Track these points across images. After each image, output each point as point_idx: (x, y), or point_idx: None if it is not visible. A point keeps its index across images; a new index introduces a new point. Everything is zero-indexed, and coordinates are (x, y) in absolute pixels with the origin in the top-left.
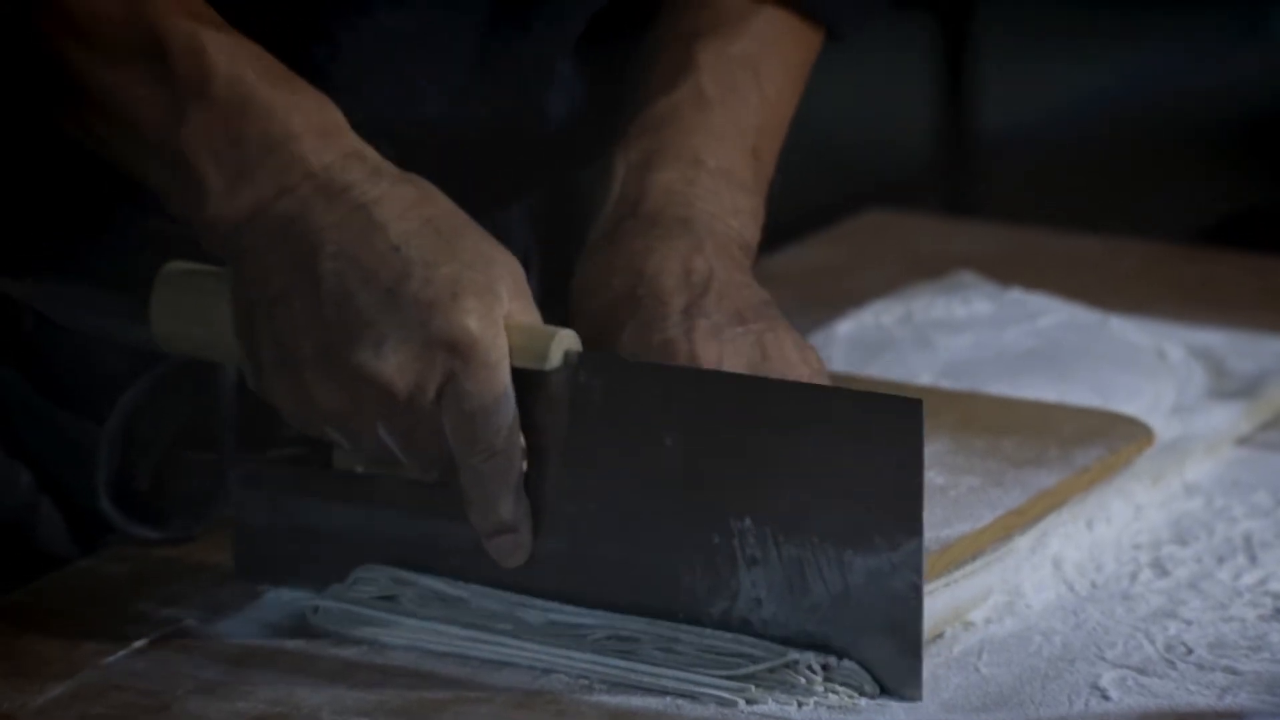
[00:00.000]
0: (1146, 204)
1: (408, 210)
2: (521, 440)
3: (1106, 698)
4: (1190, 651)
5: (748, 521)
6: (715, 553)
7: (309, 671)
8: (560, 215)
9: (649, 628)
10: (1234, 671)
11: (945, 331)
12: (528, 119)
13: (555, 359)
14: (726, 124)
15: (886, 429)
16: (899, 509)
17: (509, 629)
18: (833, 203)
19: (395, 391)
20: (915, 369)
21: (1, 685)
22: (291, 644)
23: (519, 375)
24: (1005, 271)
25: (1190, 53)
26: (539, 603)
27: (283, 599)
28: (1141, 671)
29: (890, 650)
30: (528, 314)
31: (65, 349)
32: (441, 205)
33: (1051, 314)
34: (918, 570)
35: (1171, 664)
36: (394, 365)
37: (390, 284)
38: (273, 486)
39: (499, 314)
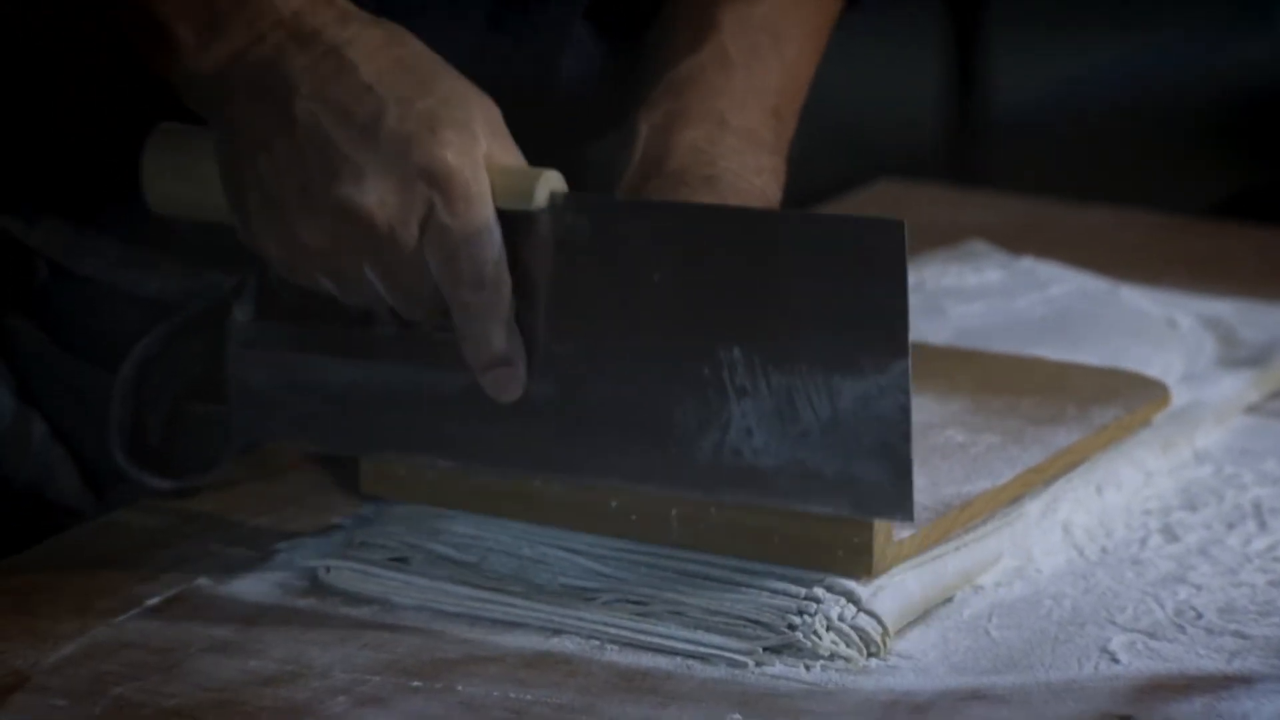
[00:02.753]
0: (1153, 180)
1: (379, 50)
2: (509, 277)
3: (1116, 661)
4: (1200, 616)
5: (736, 352)
6: (705, 385)
7: (320, 631)
8: (583, 183)
9: (658, 591)
10: (1243, 636)
11: (956, 299)
12: (542, 81)
13: (541, 199)
14: (749, 85)
15: (869, 250)
16: (885, 331)
17: (519, 590)
18: (844, 175)
19: (376, 224)
20: (926, 336)
21: (15, 643)
22: (303, 603)
23: (505, 217)
24: (1016, 242)
25: (1199, 31)
26: (551, 560)
27: (294, 558)
28: (1151, 635)
29: (881, 473)
30: (508, 154)
31: (79, 300)
32: (413, 46)
33: (1062, 283)
34: (905, 392)
35: (1181, 628)
36: (375, 199)
37: (366, 121)
38: (271, 344)
39: (478, 150)
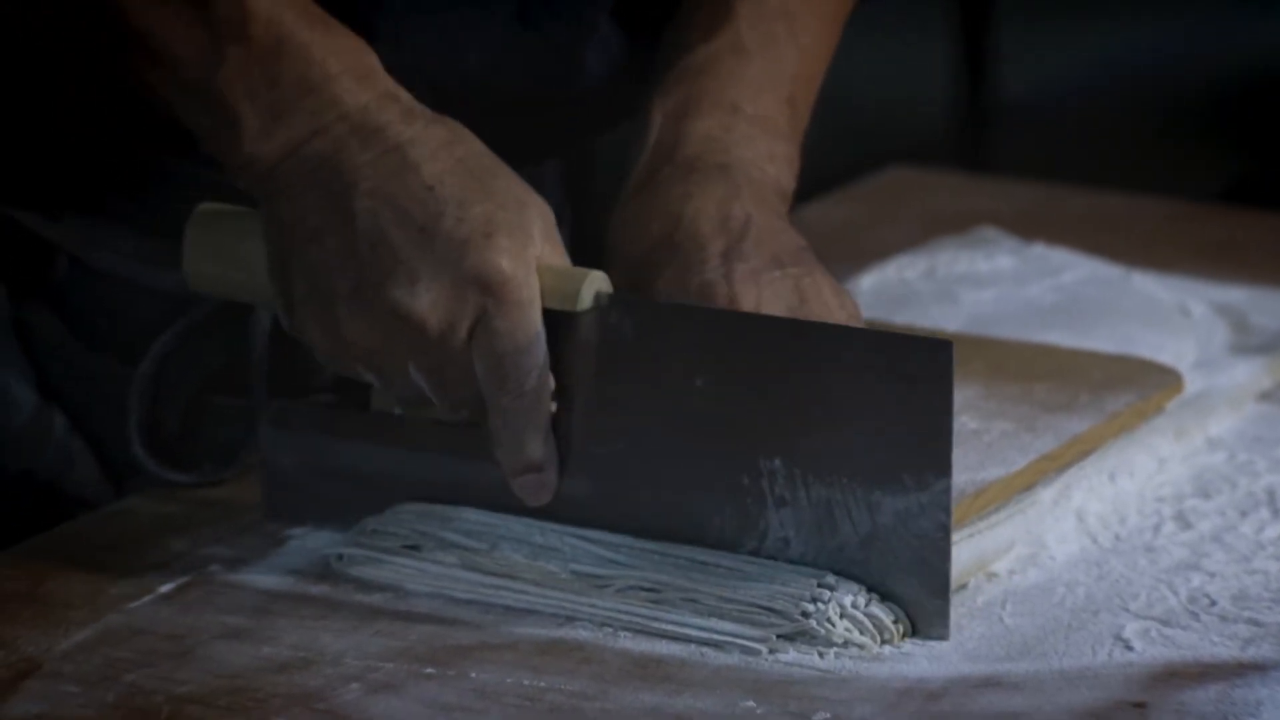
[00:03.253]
0: (1165, 167)
1: (441, 150)
2: (551, 381)
3: (1130, 648)
4: (1213, 603)
5: (777, 462)
6: (744, 494)
7: (333, 617)
8: (592, 174)
9: (671, 579)
10: (1257, 623)
11: (968, 286)
12: (566, 75)
13: (586, 300)
14: (764, 73)
15: (916, 369)
16: (928, 449)
17: (532, 577)
18: (855, 162)
19: (427, 329)
20: (938, 323)
21: (27, 629)
22: (316, 590)
23: (549, 316)
24: (1027, 228)
25: (1210, 15)
26: (564, 548)
27: (307, 545)
28: (1165, 623)
29: (918, 590)
30: (558, 257)
31: (99, 293)
32: (474, 146)
33: (1074, 269)
34: (946, 510)
35: (1195, 615)
36: (427, 302)
37: (424, 222)
38: (302, 427)
39: (531, 254)
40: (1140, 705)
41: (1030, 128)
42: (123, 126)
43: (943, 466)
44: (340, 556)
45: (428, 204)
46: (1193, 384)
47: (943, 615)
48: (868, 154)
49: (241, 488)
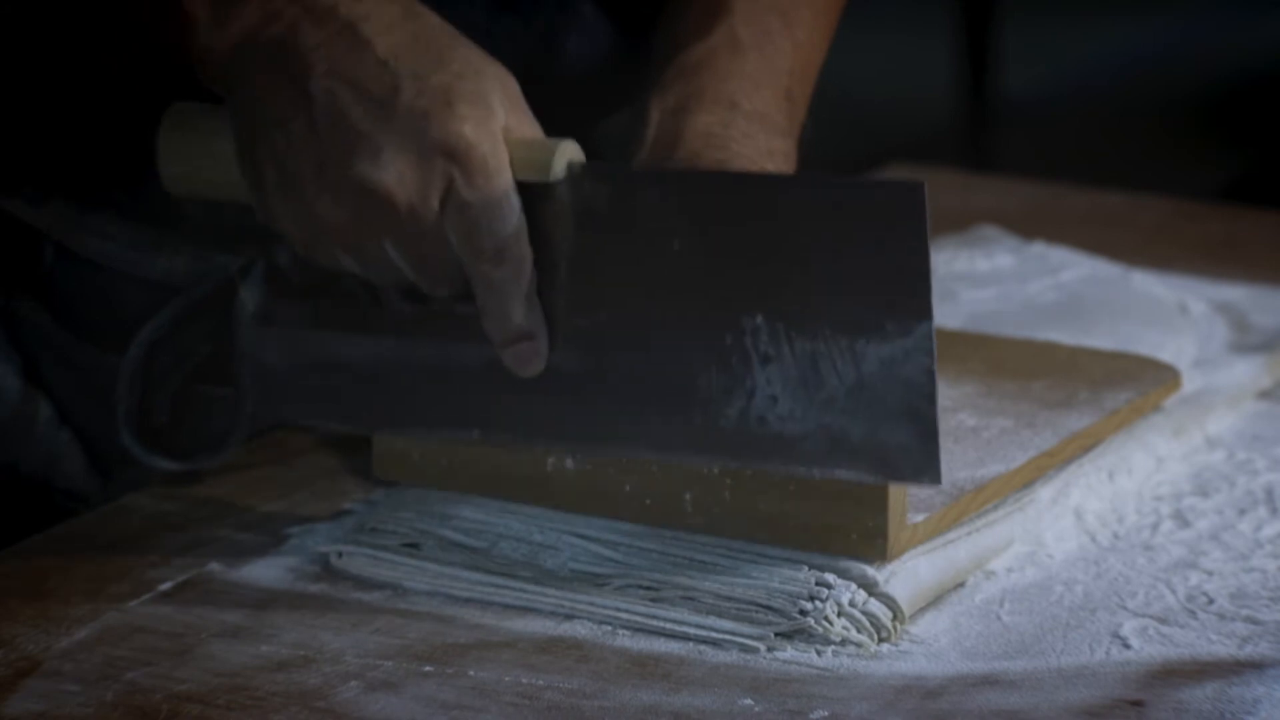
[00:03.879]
0: (1164, 165)
1: (394, 25)
2: (530, 250)
3: (1128, 646)
4: (1211, 601)
5: (759, 319)
6: (729, 353)
7: (332, 616)
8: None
9: (669, 577)
10: (1255, 621)
11: (968, 284)
12: (548, 60)
13: (559, 170)
14: (760, 68)
15: (890, 213)
16: (908, 293)
17: (530, 575)
18: (856, 160)
19: (396, 201)
20: (939, 321)
21: (27, 628)
22: (315, 588)
23: (523, 189)
24: (1027, 226)
25: (1211, 14)
26: (562, 546)
27: (306, 543)
28: (1163, 621)
29: (907, 436)
30: (526, 127)
31: (85, 282)
32: (428, 19)
33: (1074, 268)
34: (930, 354)
35: (1193, 613)
36: (393, 174)
37: (382, 97)
38: (288, 322)
39: (495, 123)
40: (1138, 703)
41: (1031, 126)
42: (110, 111)
43: (923, 310)
44: (339, 554)
45: (383, 78)
46: (1192, 382)
47: (933, 460)
48: (869, 152)
49: (239, 486)
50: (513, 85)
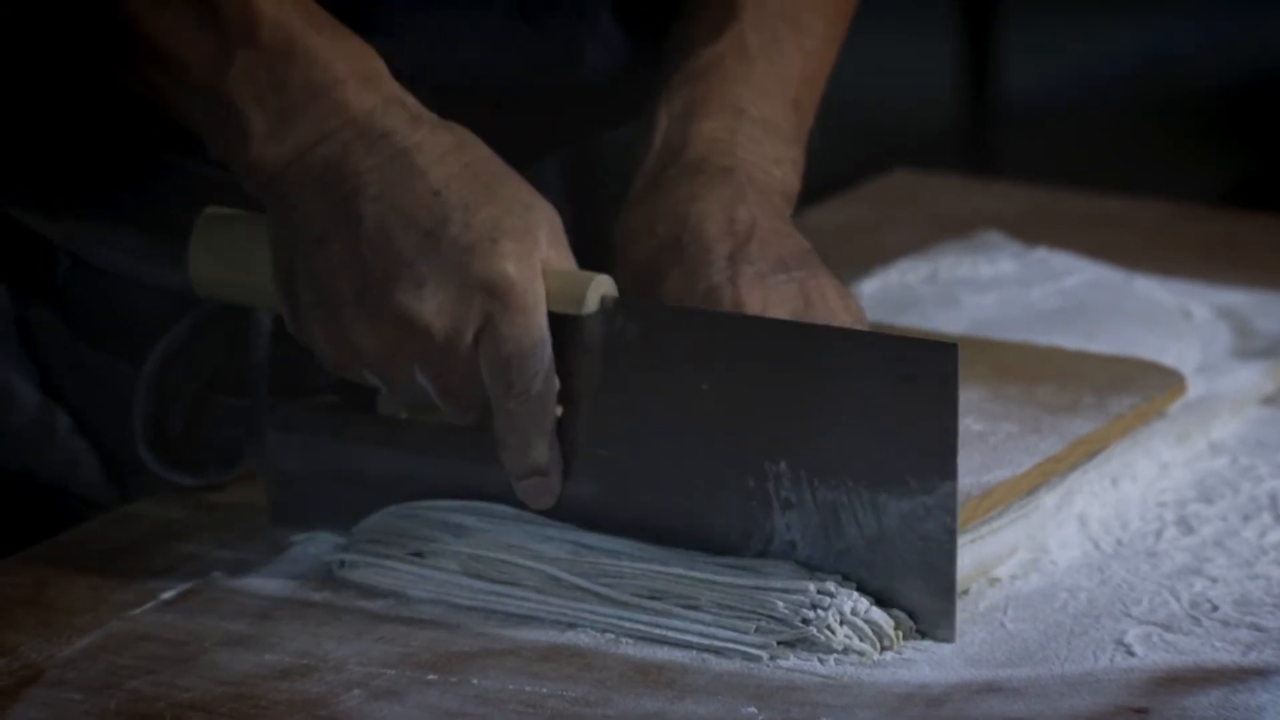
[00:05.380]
0: (1168, 169)
1: (447, 155)
2: (557, 384)
3: (1132, 654)
4: (1215, 608)
5: (783, 465)
6: (750, 497)
7: (335, 624)
8: (592, 172)
9: (673, 586)
10: (1259, 628)
11: (971, 290)
12: (566, 70)
13: (592, 304)
14: (768, 75)
15: (921, 371)
16: (933, 452)
17: (534, 584)
18: (858, 165)
19: (433, 333)
20: (941, 327)
21: (30, 635)
22: (318, 596)
23: (555, 320)
24: (1030, 231)
25: (1213, 17)
26: (566, 555)
27: (310, 552)
28: (1167, 628)
29: (924, 592)
30: (564, 261)
31: (101, 293)
32: (480, 152)
33: (1077, 273)
34: (951, 513)
35: (1197, 620)
36: (432, 307)
37: (430, 227)
38: (309, 431)
39: (537, 259)
40: (1142, 711)
41: (1033, 130)
42: (125, 124)
43: (948, 469)
44: (343, 563)
45: (434, 209)
46: (1195, 388)
47: (949, 618)
48: (871, 157)
49: (244, 493)
50: (557, 220)
